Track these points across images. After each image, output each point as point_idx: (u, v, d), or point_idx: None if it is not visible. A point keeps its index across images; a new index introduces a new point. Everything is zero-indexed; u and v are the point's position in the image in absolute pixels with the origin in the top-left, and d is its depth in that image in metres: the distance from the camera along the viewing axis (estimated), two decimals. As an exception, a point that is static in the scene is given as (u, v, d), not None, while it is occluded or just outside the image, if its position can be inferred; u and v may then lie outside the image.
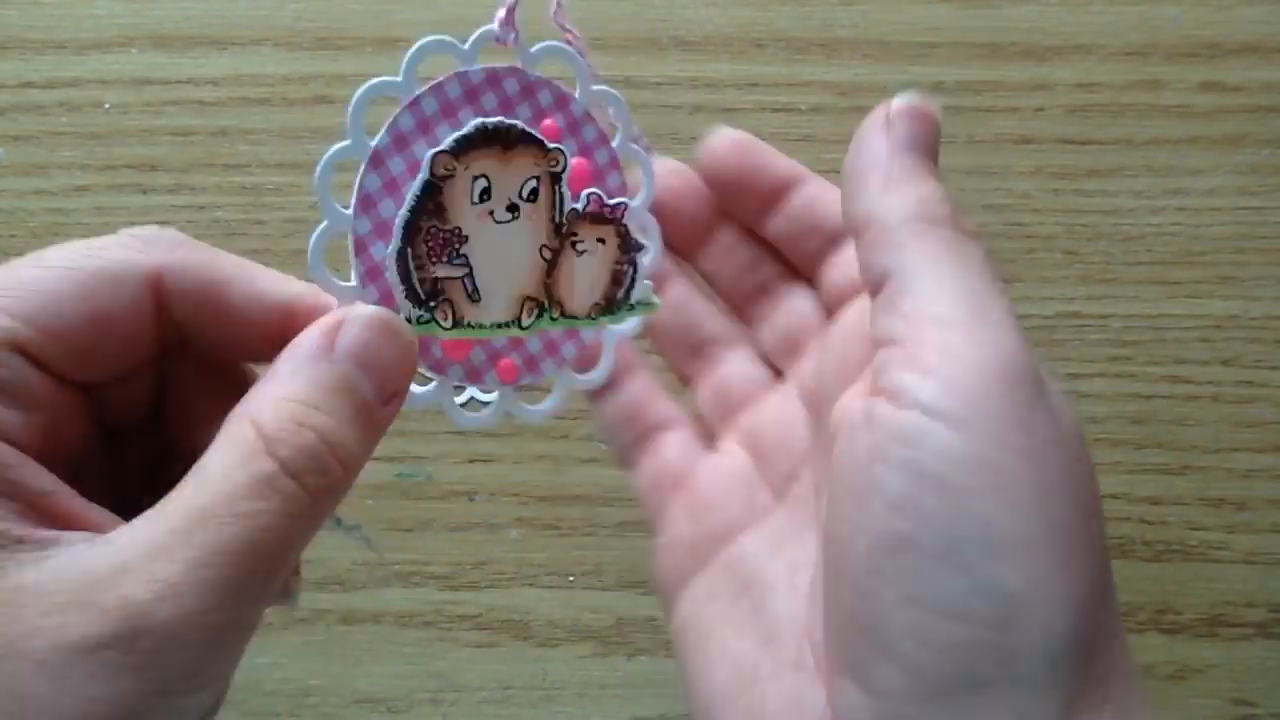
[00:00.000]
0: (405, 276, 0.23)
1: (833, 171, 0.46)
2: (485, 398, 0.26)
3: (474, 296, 0.24)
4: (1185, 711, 0.44)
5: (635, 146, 0.26)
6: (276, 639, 0.44)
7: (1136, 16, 0.46)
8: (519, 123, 0.24)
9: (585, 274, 0.25)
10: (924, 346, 0.21)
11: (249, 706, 0.44)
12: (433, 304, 0.23)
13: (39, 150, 0.46)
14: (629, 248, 0.26)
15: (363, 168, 0.24)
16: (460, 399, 0.25)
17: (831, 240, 0.28)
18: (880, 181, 0.23)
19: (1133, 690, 0.21)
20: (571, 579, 0.44)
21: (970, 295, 0.21)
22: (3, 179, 0.46)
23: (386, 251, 0.23)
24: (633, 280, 0.26)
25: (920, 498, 0.20)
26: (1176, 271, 0.45)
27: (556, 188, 0.24)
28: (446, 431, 0.45)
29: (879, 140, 0.24)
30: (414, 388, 0.24)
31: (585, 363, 0.27)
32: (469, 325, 0.24)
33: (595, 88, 0.25)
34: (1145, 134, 0.46)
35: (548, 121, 0.25)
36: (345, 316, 0.22)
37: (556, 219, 0.24)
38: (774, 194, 0.28)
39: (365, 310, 0.22)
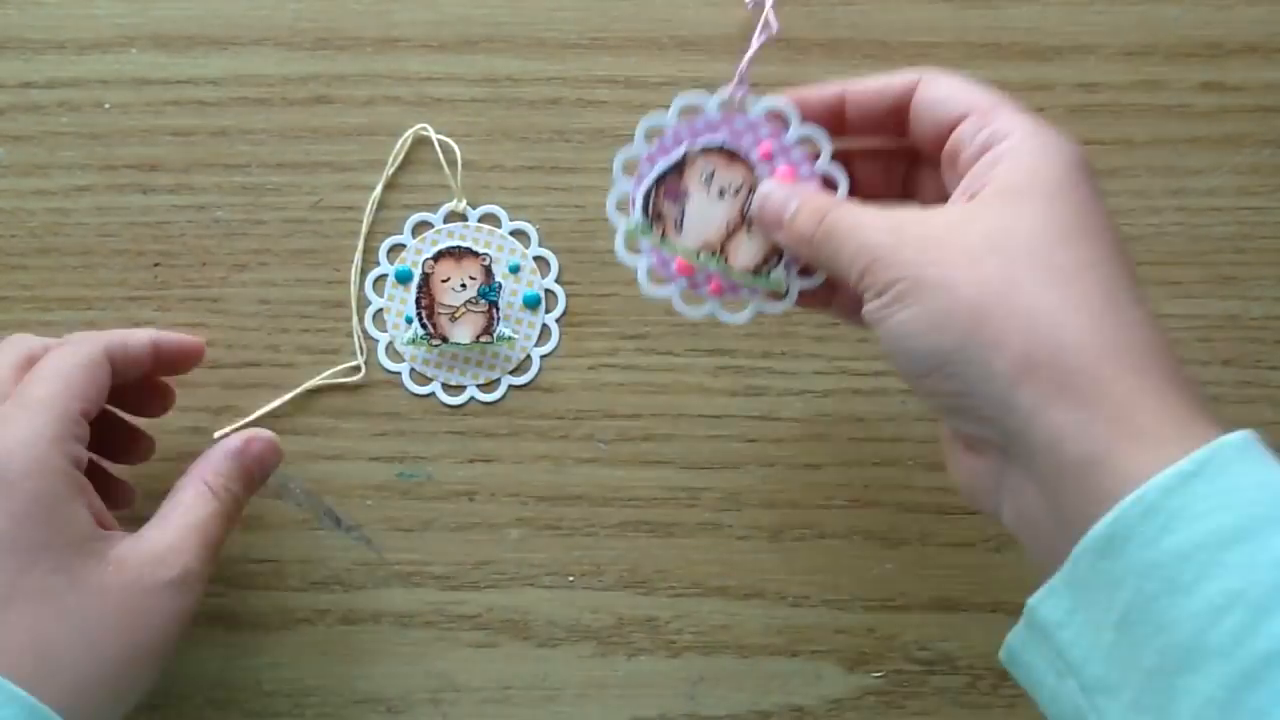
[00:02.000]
0: (646, 204, 0.38)
1: (833, 171, 0.46)
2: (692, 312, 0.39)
3: (678, 227, 0.38)
4: (1185, 711, 0.44)
5: (815, 131, 0.37)
6: (276, 639, 0.44)
7: (1136, 16, 0.46)
8: (742, 149, 0.38)
9: (749, 247, 0.38)
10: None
11: (249, 706, 0.44)
12: (652, 221, 0.38)
13: (39, 150, 0.46)
14: (788, 267, 0.38)
15: (647, 161, 0.38)
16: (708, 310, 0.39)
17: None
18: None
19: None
20: (571, 579, 0.44)
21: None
22: (3, 179, 0.46)
23: (641, 186, 0.38)
24: (775, 265, 0.38)
25: None
26: (1176, 271, 0.45)
27: (752, 193, 0.38)
28: (447, 431, 0.45)
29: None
30: (656, 288, 0.39)
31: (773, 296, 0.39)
32: (667, 242, 0.38)
33: (803, 129, 0.37)
34: (1145, 134, 0.46)
35: (765, 144, 0.38)
36: (251, 437, 0.41)
37: (745, 210, 0.38)
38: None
39: (263, 435, 0.41)
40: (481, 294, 0.44)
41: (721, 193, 0.38)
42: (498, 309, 0.44)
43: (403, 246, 0.45)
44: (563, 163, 0.46)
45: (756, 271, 0.38)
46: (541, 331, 0.45)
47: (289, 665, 0.44)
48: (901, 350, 0.32)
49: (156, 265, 0.45)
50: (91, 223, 0.46)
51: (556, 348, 0.45)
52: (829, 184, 0.37)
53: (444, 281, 0.44)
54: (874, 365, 0.45)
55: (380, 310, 0.45)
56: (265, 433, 0.41)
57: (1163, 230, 0.45)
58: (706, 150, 0.38)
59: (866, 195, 0.36)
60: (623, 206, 0.38)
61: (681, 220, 0.38)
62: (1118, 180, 0.45)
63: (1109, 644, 0.28)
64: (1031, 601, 0.30)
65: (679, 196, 0.38)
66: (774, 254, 0.38)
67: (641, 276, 0.38)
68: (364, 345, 0.45)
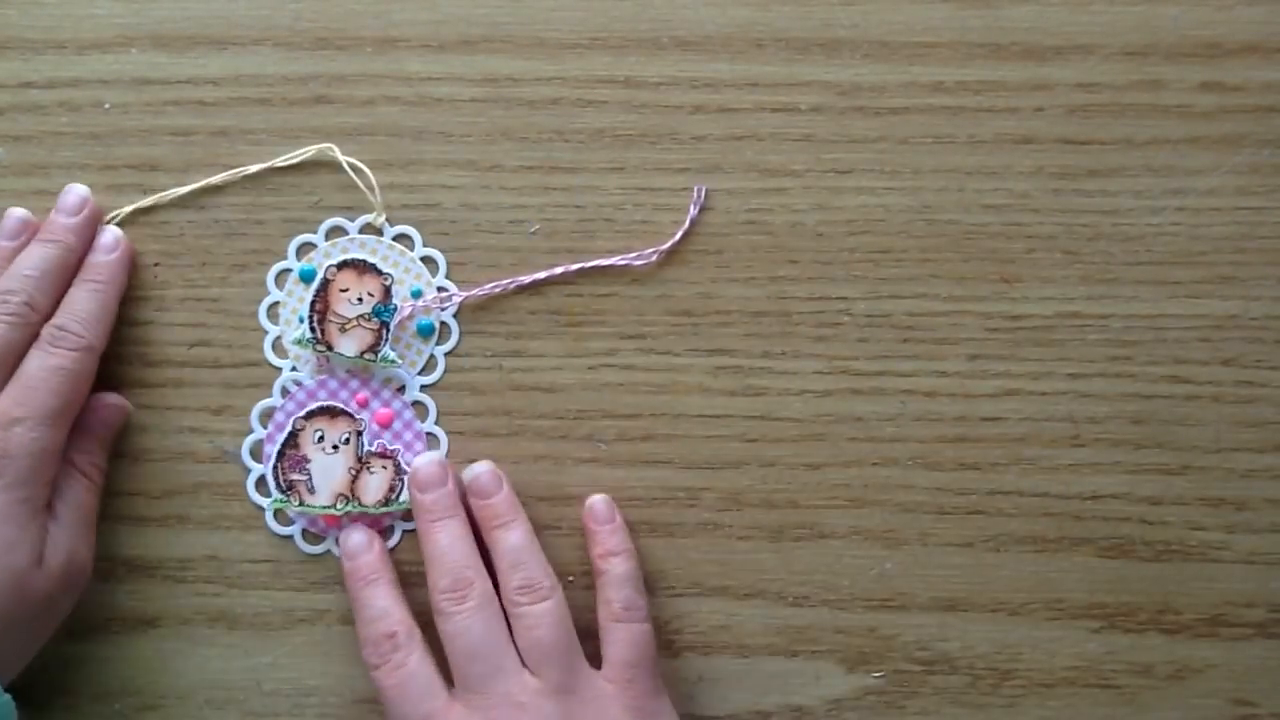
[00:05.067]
0: (277, 478, 0.44)
1: (832, 171, 0.46)
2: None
3: (311, 490, 0.44)
4: (1185, 711, 0.44)
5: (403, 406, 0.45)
6: (277, 639, 0.44)
7: (1136, 16, 0.46)
8: (339, 403, 0.44)
9: (374, 483, 0.44)
10: None
11: (249, 706, 0.44)
12: (289, 492, 0.44)
13: (39, 150, 0.46)
14: (400, 471, 0.44)
15: (268, 443, 0.45)
16: (327, 547, 0.45)
17: None
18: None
19: None
20: (571, 579, 0.44)
21: None
22: (3, 179, 0.46)
23: (267, 467, 0.44)
24: (400, 491, 0.44)
25: None
26: (1176, 271, 0.45)
27: (360, 436, 0.44)
28: (447, 431, 0.45)
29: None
30: (308, 545, 0.45)
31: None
32: (308, 506, 0.44)
33: (383, 372, 0.45)
34: (1145, 134, 0.46)
35: (360, 395, 0.44)
36: (98, 405, 0.44)
37: (360, 454, 0.44)
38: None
39: (107, 400, 0.44)
40: (375, 312, 0.44)
41: (335, 447, 0.43)
42: (388, 330, 0.44)
43: (313, 246, 0.45)
44: (563, 163, 0.46)
45: (387, 500, 0.44)
46: (428, 361, 0.45)
47: (289, 665, 0.44)
48: None
49: (156, 265, 0.45)
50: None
51: (440, 379, 0.45)
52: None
53: (342, 291, 0.44)
54: (874, 365, 0.45)
55: (277, 303, 0.45)
56: (110, 396, 0.44)
57: (1163, 230, 0.45)
58: (310, 415, 0.43)
59: None
60: (262, 490, 0.44)
61: (311, 482, 0.43)
62: (1118, 180, 0.45)
63: None
64: None
65: (300, 464, 0.43)
66: (398, 480, 0.44)
67: (300, 542, 0.44)
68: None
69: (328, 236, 0.45)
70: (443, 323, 0.45)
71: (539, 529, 0.44)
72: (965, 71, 0.46)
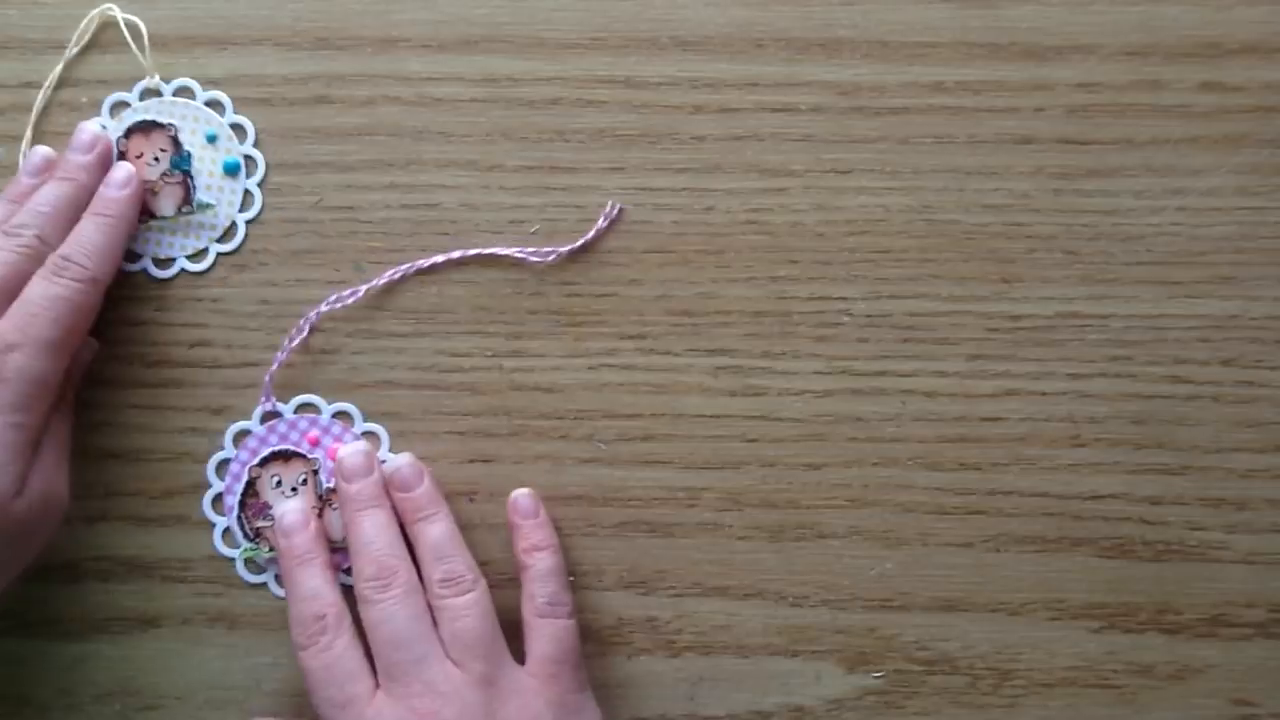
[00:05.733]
0: (243, 527, 0.44)
1: (832, 171, 0.46)
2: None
3: None
4: (1185, 711, 0.44)
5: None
6: (277, 639, 0.44)
7: (1136, 16, 0.46)
8: (290, 446, 0.44)
9: (339, 520, 0.43)
10: None
11: (249, 706, 0.44)
12: (257, 539, 0.44)
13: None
14: None
15: (229, 494, 0.45)
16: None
17: None
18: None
19: None
20: (571, 579, 0.44)
21: None
22: (3, 179, 0.46)
23: (231, 518, 0.44)
24: None
25: None
26: (1176, 271, 0.45)
27: (317, 475, 0.44)
28: (447, 431, 0.45)
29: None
30: (281, 589, 0.44)
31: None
32: (277, 550, 0.43)
33: (332, 406, 0.45)
34: (1145, 134, 0.46)
35: (310, 435, 0.44)
36: None
37: (319, 492, 0.44)
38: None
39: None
40: (174, 165, 0.44)
41: (294, 489, 0.44)
42: (193, 179, 0.45)
43: (105, 129, 0.45)
44: (563, 163, 0.46)
45: None
46: (245, 197, 0.45)
47: (289, 665, 0.44)
48: None
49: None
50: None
51: (261, 212, 0.45)
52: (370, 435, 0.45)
53: (138, 157, 0.45)
54: (874, 365, 0.45)
55: None
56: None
57: (1163, 230, 0.45)
58: (264, 462, 0.44)
59: None
60: (229, 542, 0.44)
61: None
62: (1118, 180, 0.45)
63: None
64: None
65: (263, 510, 0.44)
66: None
67: (274, 588, 0.44)
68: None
69: (112, 114, 0.46)
70: (247, 157, 0.45)
71: (539, 529, 0.44)
72: (965, 71, 0.46)
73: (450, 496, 0.44)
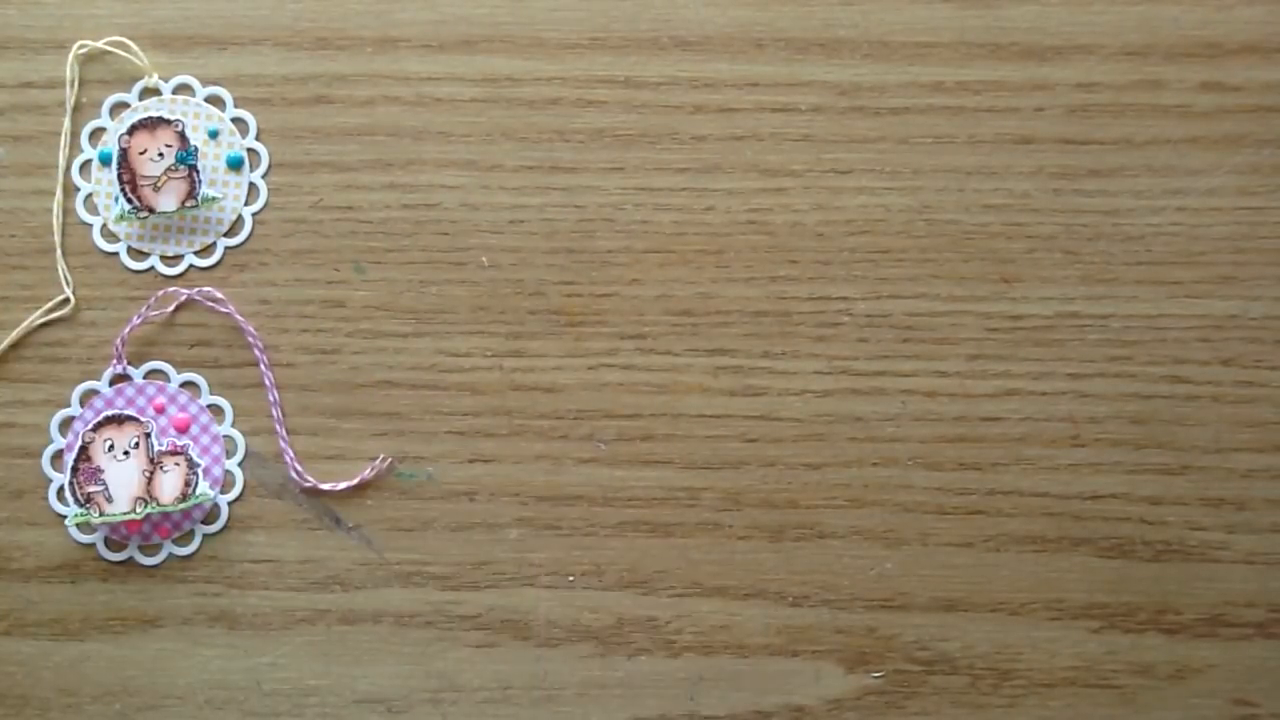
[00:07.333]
0: (74, 492, 0.43)
1: (832, 171, 0.46)
2: (148, 561, 0.45)
3: (109, 499, 0.43)
4: (1185, 711, 0.44)
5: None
6: (276, 639, 0.44)
7: (1136, 16, 0.46)
8: (124, 410, 0.44)
9: (169, 480, 0.44)
10: None
11: (249, 706, 0.44)
12: (88, 505, 0.43)
13: (39, 150, 0.46)
14: (193, 466, 0.44)
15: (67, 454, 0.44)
16: (129, 554, 0.45)
17: None
18: None
19: None
20: (571, 579, 0.44)
21: None
22: (3, 179, 0.46)
23: (65, 483, 0.44)
24: (196, 484, 0.44)
25: None
26: (1176, 271, 0.45)
27: (149, 438, 0.44)
28: (447, 431, 0.45)
29: None
30: (110, 553, 0.44)
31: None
32: (108, 515, 0.43)
33: (181, 376, 0.45)
34: (1145, 134, 0.46)
35: (157, 400, 0.45)
36: None
37: (151, 455, 0.44)
38: None
39: None
40: (179, 159, 0.45)
41: (126, 453, 0.44)
42: (198, 173, 0.45)
43: (104, 130, 0.46)
44: (563, 163, 0.46)
45: (184, 496, 0.44)
46: (250, 190, 0.45)
47: (289, 665, 0.44)
48: None
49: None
50: (92, 223, 0.46)
51: (266, 204, 0.45)
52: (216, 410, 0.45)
53: (141, 154, 0.45)
54: (874, 365, 0.45)
55: (90, 195, 0.46)
56: None
57: (1163, 230, 0.45)
58: (98, 427, 0.44)
59: None
60: (63, 499, 0.44)
61: (108, 491, 0.43)
62: (1118, 180, 0.45)
63: None
64: None
65: (95, 475, 0.43)
66: (192, 475, 0.44)
67: (102, 550, 0.44)
68: (69, 277, 0.45)
69: (112, 115, 0.46)
70: (250, 150, 0.45)
71: (539, 528, 0.44)
72: (965, 71, 0.46)
73: (450, 496, 0.44)
